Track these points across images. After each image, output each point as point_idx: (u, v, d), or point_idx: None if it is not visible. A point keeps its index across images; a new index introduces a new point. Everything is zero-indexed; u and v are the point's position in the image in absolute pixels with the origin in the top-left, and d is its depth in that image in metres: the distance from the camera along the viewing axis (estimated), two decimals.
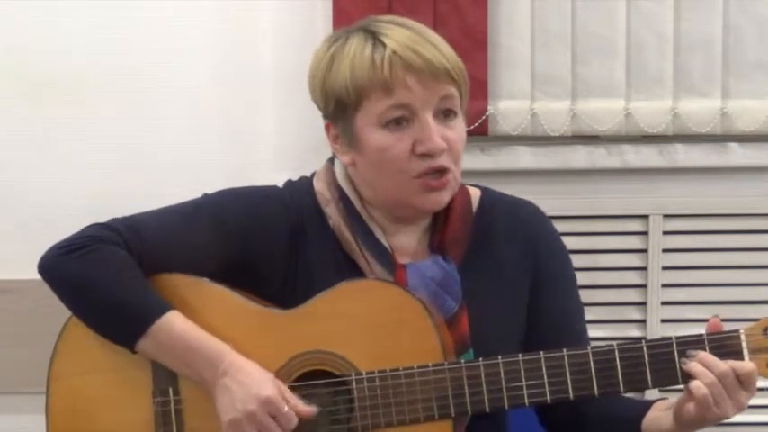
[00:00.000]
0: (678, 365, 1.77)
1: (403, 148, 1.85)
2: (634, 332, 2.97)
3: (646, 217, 2.97)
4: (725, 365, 1.75)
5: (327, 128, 1.94)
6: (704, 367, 1.75)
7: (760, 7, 2.87)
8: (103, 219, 1.95)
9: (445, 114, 1.88)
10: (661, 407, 1.88)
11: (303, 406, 1.81)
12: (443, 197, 1.90)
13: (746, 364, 1.75)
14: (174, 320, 1.85)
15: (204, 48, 2.90)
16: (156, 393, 1.89)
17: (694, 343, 1.77)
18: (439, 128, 1.86)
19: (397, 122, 1.85)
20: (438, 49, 1.86)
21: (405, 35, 1.85)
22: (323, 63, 1.89)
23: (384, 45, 1.84)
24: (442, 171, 1.87)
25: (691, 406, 1.76)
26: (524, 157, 2.94)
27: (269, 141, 2.91)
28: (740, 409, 1.77)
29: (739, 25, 2.88)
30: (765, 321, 1.78)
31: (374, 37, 1.86)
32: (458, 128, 1.89)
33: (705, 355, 1.76)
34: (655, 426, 1.86)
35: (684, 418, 1.78)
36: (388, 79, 1.82)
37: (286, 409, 1.78)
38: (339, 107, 1.88)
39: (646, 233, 2.97)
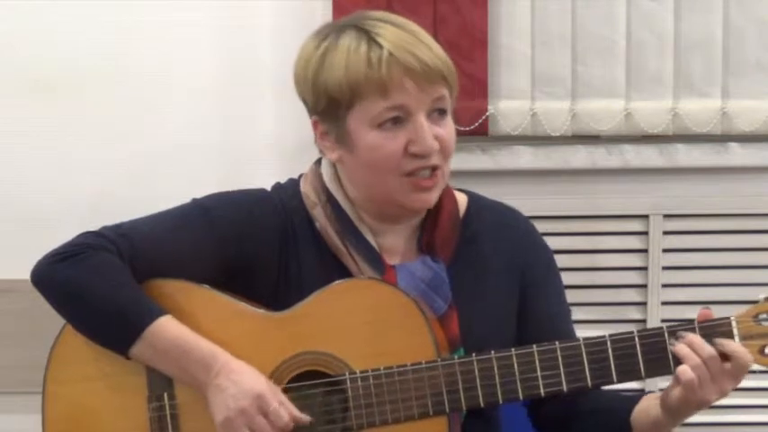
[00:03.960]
0: (669, 353, 1.77)
1: (396, 147, 1.84)
2: None
3: (646, 217, 2.97)
4: (711, 350, 1.75)
5: (315, 124, 1.91)
6: (691, 350, 1.75)
7: (760, 7, 2.87)
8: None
9: (438, 113, 1.86)
10: (650, 398, 1.87)
11: (296, 412, 1.81)
12: (432, 196, 1.89)
13: (733, 345, 1.75)
14: (167, 325, 1.84)
15: (204, 47, 2.90)
16: (151, 399, 1.88)
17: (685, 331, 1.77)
18: (431, 127, 1.85)
19: (392, 122, 1.84)
20: (432, 50, 1.84)
21: (398, 35, 1.83)
22: (314, 58, 1.86)
23: (380, 45, 1.82)
24: (432, 168, 1.86)
25: (676, 390, 1.76)
26: (524, 157, 2.94)
27: (269, 140, 2.91)
28: (722, 395, 1.77)
29: (739, 25, 2.88)
30: (756, 308, 1.78)
31: (368, 35, 1.83)
32: (448, 125, 1.88)
33: (693, 337, 1.76)
34: (643, 416, 1.86)
35: (670, 402, 1.78)
36: (384, 80, 1.81)
37: (275, 405, 1.78)
38: (331, 104, 1.85)
39: (646, 233, 2.97)
